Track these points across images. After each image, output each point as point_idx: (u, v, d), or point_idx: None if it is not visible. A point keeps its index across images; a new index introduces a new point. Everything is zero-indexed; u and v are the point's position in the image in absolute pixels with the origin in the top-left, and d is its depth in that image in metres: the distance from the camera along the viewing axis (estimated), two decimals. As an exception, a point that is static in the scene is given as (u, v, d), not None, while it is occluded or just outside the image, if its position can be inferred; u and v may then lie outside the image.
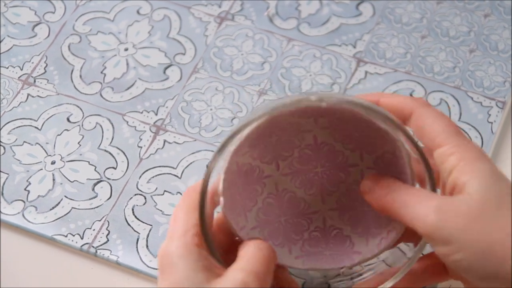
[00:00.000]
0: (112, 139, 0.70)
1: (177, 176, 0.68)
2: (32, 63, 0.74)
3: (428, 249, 0.54)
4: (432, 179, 0.50)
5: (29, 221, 0.66)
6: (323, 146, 0.56)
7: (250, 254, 0.51)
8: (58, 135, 0.70)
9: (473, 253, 0.47)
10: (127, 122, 0.71)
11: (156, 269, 0.63)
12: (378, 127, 0.52)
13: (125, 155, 0.69)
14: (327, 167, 0.56)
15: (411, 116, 0.53)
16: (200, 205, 0.51)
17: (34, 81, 0.73)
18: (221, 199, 0.54)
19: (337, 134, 0.55)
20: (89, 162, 0.69)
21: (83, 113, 0.71)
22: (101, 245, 0.65)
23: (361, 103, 0.50)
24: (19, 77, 0.74)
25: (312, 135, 0.56)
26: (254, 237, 0.55)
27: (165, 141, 0.70)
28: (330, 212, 0.56)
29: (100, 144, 0.70)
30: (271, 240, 0.56)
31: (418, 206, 0.49)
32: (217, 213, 0.55)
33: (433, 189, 0.51)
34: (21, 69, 0.74)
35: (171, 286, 0.49)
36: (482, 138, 0.69)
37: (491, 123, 0.70)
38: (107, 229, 0.66)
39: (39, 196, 0.67)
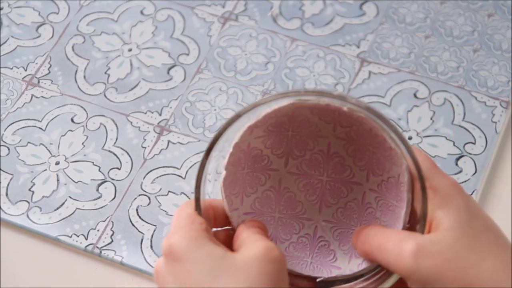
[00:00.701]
0: (116, 139, 0.70)
1: (181, 177, 0.68)
2: (36, 63, 0.74)
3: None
4: (425, 207, 0.51)
5: (33, 222, 0.66)
6: (334, 157, 0.56)
7: (255, 236, 0.51)
8: (62, 135, 0.70)
9: None
10: (131, 122, 0.71)
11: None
12: (390, 147, 0.53)
13: (129, 156, 0.69)
14: (332, 179, 0.57)
15: None
16: (200, 170, 0.51)
17: (38, 82, 0.73)
18: (223, 172, 0.54)
19: (351, 147, 0.56)
20: (93, 162, 0.69)
21: (87, 113, 0.72)
22: (105, 245, 0.65)
23: (378, 113, 0.51)
24: (23, 78, 0.74)
25: (327, 142, 0.56)
26: (247, 219, 0.55)
27: (169, 141, 0.70)
28: (323, 223, 0.57)
29: (104, 145, 0.70)
30: None
31: (394, 250, 0.50)
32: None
33: (425, 217, 0.51)
34: (25, 70, 0.74)
35: (189, 269, 0.48)
36: (486, 138, 0.69)
37: (495, 122, 0.70)
38: (111, 230, 0.66)
39: (43, 196, 0.67)
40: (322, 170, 0.57)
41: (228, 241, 0.54)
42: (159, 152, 0.69)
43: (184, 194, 0.67)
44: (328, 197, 0.57)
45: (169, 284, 0.50)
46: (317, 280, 0.55)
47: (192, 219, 0.51)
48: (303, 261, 0.56)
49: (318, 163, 0.56)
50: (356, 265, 0.55)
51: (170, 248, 0.50)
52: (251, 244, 0.50)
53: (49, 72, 0.74)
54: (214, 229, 0.54)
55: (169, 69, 0.74)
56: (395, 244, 0.50)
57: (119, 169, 0.68)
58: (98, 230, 0.66)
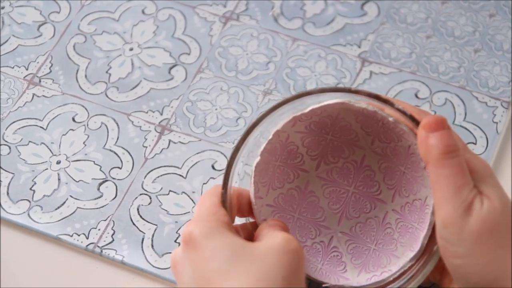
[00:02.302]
0: (117, 139, 0.70)
1: (182, 176, 0.68)
2: (38, 63, 0.74)
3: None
4: None
5: (34, 221, 0.66)
6: (365, 170, 0.56)
7: (276, 230, 0.52)
8: (63, 135, 0.70)
9: (477, 263, 0.48)
10: (132, 122, 0.71)
11: (161, 268, 0.63)
12: (424, 167, 0.53)
13: (130, 155, 0.69)
14: (359, 191, 0.57)
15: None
16: (232, 157, 0.51)
17: (40, 81, 0.73)
18: (258, 157, 0.55)
19: (384, 164, 0.56)
20: (94, 161, 0.69)
21: (88, 113, 0.72)
22: (106, 244, 0.65)
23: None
24: (24, 77, 0.74)
25: (363, 153, 0.56)
26: (268, 218, 0.55)
27: (170, 141, 0.70)
28: (340, 235, 0.57)
29: (105, 144, 0.70)
30: None
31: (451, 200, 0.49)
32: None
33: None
34: (27, 69, 0.74)
35: (208, 256, 0.48)
36: (487, 138, 0.69)
37: (496, 123, 0.70)
38: (112, 229, 0.66)
39: (44, 195, 0.67)
40: (351, 181, 0.57)
41: (249, 239, 0.54)
42: (160, 152, 0.69)
43: (185, 193, 0.67)
44: (351, 209, 0.57)
45: (187, 272, 0.49)
46: (323, 286, 0.56)
47: (215, 209, 0.51)
48: (314, 265, 0.56)
49: (348, 172, 0.56)
50: (365, 279, 0.55)
51: (190, 235, 0.49)
52: (271, 235, 0.50)
53: (51, 71, 0.74)
54: (235, 224, 0.55)
55: (170, 68, 0.74)
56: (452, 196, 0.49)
57: (120, 168, 0.69)
58: (99, 229, 0.66)
